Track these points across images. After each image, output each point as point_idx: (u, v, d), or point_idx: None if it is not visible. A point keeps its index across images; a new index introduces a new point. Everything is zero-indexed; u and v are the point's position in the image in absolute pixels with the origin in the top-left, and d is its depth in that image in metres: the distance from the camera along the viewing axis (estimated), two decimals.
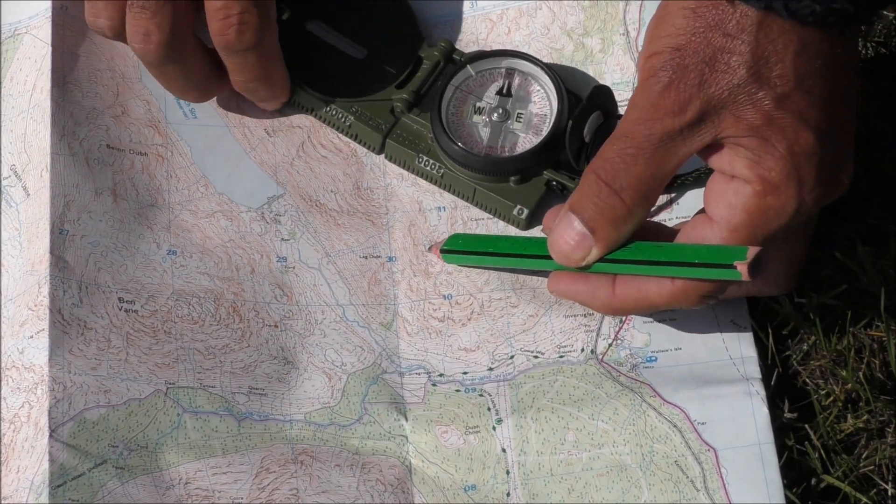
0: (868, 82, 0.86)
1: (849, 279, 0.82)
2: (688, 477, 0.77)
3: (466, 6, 0.90)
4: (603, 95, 0.82)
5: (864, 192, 0.84)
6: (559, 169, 0.84)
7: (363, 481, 0.79)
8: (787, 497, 0.77)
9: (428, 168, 0.86)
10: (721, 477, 0.77)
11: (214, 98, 0.89)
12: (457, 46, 0.89)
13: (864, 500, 0.77)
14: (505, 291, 0.84)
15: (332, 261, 0.85)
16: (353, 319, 0.83)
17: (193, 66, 0.84)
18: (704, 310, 0.81)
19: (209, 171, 0.87)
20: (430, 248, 0.84)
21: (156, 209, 0.85)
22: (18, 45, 0.88)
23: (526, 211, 0.84)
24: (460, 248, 0.82)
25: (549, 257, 0.77)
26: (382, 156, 0.88)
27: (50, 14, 0.87)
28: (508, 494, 0.78)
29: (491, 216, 0.85)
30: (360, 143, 0.88)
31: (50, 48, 0.87)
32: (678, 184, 0.84)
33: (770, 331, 0.81)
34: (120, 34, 0.83)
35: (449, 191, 0.86)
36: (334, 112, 0.87)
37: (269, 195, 0.86)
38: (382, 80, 0.87)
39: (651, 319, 0.81)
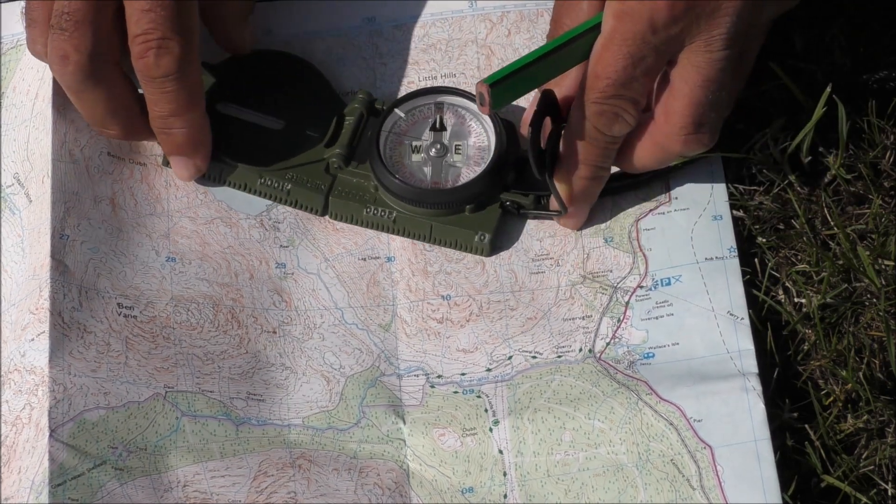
0: (867, 81, 0.91)
1: (849, 279, 0.86)
2: (684, 476, 0.82)
3: (465, 5, 0.96)
4: (549, 100, 0.86)
5: (864, 191, 0.89)
6: (509, 189, 0.89)
7: (361, 485, 0.83)
8: (786, 497, 0.81)
9: (378, 216, 0.90)
10: (717, 475, 0.81)
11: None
12: (455, 46, 0.95)
13: (864, 500, 0.81)
14: (504, 294, 0.89)
15: (330, 265, 0.90)
16: (351, 322, 0.88)
17: (114, 94, 0.86)
18: (701, 300, 0.86)
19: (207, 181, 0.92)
20: (476, 84, 0.83)
21: (154, 217, 0.90)
22: (21, 55, 0.93)
23: (488, 236, 0.89)
24: (505, 73, 0.83)
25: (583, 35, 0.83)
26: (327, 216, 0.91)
27: None
28: (506, 496, 0.83)
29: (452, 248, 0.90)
30: (301, 208, 0.91)
31: None
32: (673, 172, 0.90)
33: (770, 330, 0.85)
34: None
35: (403, 234, 0.90)
36: (270, 182, 0.90)
37: (268, 202, 0.91)
38: (308, 143, 0.91)
39: (650, 316, 0.86)
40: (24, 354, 0.84)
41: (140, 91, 0.88)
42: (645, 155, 0.86)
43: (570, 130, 0.85)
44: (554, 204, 0.88)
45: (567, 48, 0.83)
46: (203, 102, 0.88)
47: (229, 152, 0.91)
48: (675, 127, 0.84)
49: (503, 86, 0.82)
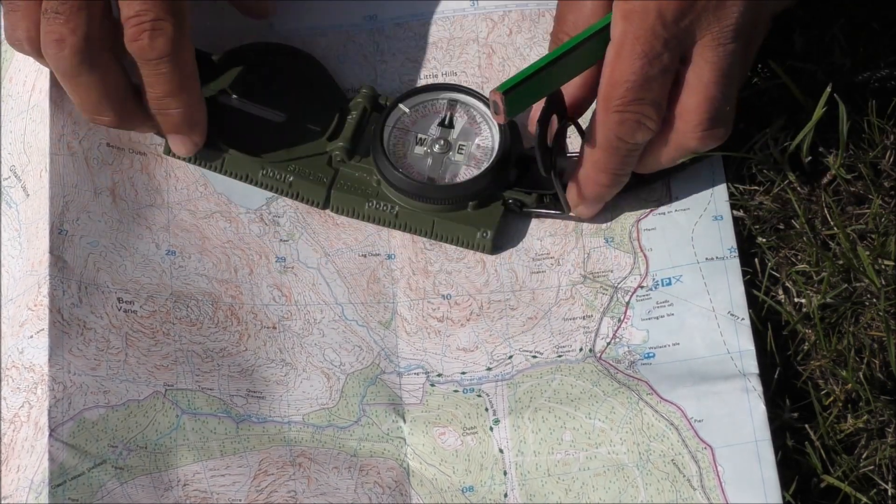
0: (867, 81, 0.91)
1: (849, 279, 0.87)
2: (684, 476, 0.82)
3: (466, 4, 0.96)
4: (556, 98, 0.87)
5: (864, 191, 0.89)
6: (512, 187, 0.90)
7: (361, 483, 0.84)
8: (787, 497, 0.81)
9: (380, 210, 0.90)
10: (717, 475, 0.82)
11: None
12: (456, 45, 0.95)
13: (864, 500, 0.82)
14: (504, 294, 0.89)
15: (331, 260, 0.90)
16: (351, 318, 0.89)
17: (108, 79, 0.87)
18: (702, 301, 0.86)
19: (208, 170, 0.92)
20: (490, 93, 0.83)
21: (154, 209, 0.90)
22: None
23: (490, 233, 0.89)
24: (517, 80, 0.83)
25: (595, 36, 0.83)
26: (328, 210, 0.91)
27: None
28: (506, 495, 0.83)
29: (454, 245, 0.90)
30: (302, 200, 0.91)
31: None
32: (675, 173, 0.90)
33: (770, 330, 0.86)
34: (38, 46, 0.87)
35: (404, 229, 0.90)
36: (272, 173, 0.91)
37: (268, 196, 0.91)
38: (310, 136, 0.92)
39: (650, 316, 0.87)
40: (23, 351, 0.84)
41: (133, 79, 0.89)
42: (660, 155, 0.86)
43: (589, 140, 0.85)
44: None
45: (578, 51, 0.83)
46: (197, 81, 0.89)
47: (232, 143, 0.91)
48: (690, 124, 0.84)
49: (517, 92, 0.82)
